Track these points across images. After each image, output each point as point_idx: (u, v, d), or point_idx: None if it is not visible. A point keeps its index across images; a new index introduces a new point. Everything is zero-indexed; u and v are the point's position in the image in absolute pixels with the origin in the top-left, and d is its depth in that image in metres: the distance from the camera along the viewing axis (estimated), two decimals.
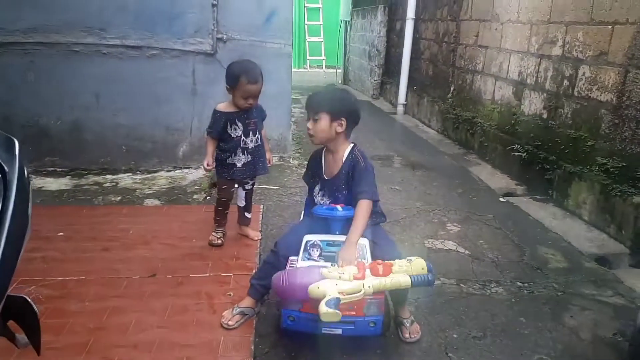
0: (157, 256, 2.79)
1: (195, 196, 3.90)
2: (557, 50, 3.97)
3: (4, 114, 4.19)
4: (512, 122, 4.59)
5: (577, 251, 3.13)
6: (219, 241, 2.94)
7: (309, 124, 2.18)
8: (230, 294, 2.40)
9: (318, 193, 2.32)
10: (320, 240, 2.14)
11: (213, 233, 2.97)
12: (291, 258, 2.13)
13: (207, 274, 2.61)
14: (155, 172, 4.42)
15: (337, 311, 1.76)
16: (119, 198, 3.79)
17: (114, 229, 3.13)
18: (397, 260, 1.97)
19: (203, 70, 4.41)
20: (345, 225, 2.16)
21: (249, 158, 2.83)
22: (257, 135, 2.84)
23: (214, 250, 2.89)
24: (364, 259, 2.04)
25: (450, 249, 3.09)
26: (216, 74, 4.38)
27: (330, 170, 2.28)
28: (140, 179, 4.25)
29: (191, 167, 4.52)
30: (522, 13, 4.46)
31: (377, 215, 2.27)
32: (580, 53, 3.70)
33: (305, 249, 2.13)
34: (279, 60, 4.55)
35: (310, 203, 2.41)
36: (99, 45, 4.21)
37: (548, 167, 3.98)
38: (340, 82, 11.64)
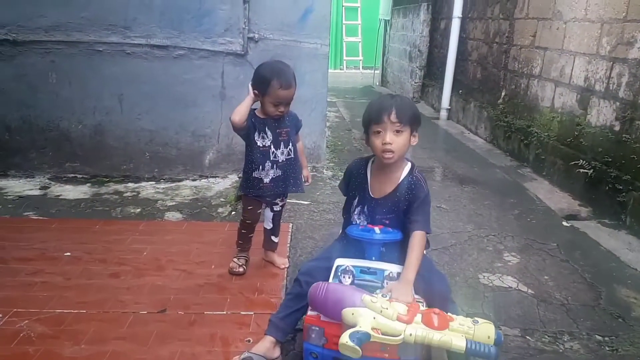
0: (170, 285, 2.45)
1: (220, 209, 3.56)
2: (635, 53, 3.44)
3: (23, 117, 3.96)
4: (576, 133, 4.06)
5: None
6: (241, 269, 2.57)
7: (389, 137, 1.80)
8: (249, 340, 2.02)
9: (355, 210, 2.00)
10: (353, 266, 1.86)
11: (234, 259, 2.61)
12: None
13: (224, 312, 2.24)
14: (179, 181, 4.12)
15: (358, 348, 1.47)
16: (139, 210, 3.49)
17: (126, 249, 2.80)
18: (460, 317, 1.60)
19: (232, 72, 4.07)
20: (384, 251, 1.91)
21: (279, 173, 2.44)
22: (290, 147, 2.45)
23: (235, 280, 2.52)
24: (421, 302, 1.71)
25: (510, 287, 2.63)
26: (246, 76, 3.98)
27: (381, 188, 1.94)
28: (163, 188, 3.95)
29: (218, 177, 4.20)
30: (590, 10, 3.93)
31: None
32: None
33: (335, 275, 1.85)
34: (314, 61, 4.17)
35: (347, 222, 2.08)
36: (122, 44, 3.92)
37: (621, 187, 3.45)
38: (377, 83, 11.19)
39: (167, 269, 2.61)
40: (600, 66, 3.81)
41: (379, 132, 1.82)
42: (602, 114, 3.79)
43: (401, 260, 1.82)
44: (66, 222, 3.16)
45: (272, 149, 2.40)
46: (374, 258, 1.90)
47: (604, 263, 2.94)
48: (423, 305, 1.70)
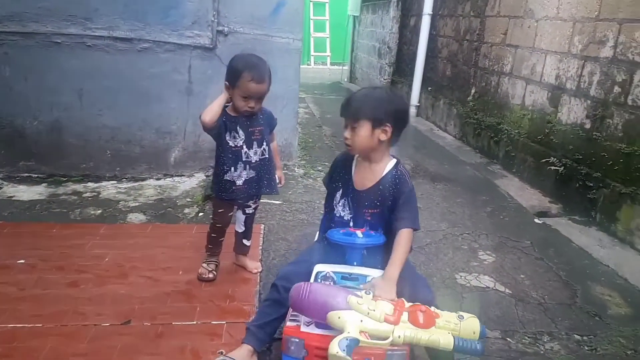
0: (134, 294, 2.30)
1: (186, 210, 3.40)
2: (606, 52, 3.46)
3: None
4: (546, 131, 4.08)
5: (637, 290, 2.64)
6: (211, 275, 2.44)
7: (346, 133, 1.82)
8: (221, 352, 1.90)
9: (339, 202, 1.95)
10: (334, 272, 1.77)
11: (204, 265, 2.48)
12: None
13: (194, 322, 2.11)
14: (142, 180, 3.92)
15: (349, 358, 1.43)
16: (99, 211, 3.30)
17: (87, 254, 2.63)
18: (445, 313, 1.57)
19: (200, 66, 3.90)
20: (366, 255, 1.83)
21: (252, 174, 2.31)
22: (264, 146, 2.32)
23: (204, 286, 2.39)
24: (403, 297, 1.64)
25: (487, 287, 2.59)
26: (215, 71, 3.88)
27: (363, 181, 1.90)
28: (125, 188, 3.75)
29: (184, 175, 4.02)
30: (562, 9, 3.94)
31: None
32: (637, 55, 3.18)
33: (315, 281, 1.75)
34: (286, 56, 4.05)
35: (327, 219, 2.03)
36: (83, 36, 3.69)
37: (591, 185, 3.47)
38: (346, 79, 11.13)
39: (131, 276, 2.45)
40: (572, 64, 3.82)
41: (345, 127, 1.85)
42: (573, 112, 3.81)
43: (384, 265, 1.74)
44: (19, 226, 2.95)
45: (245, 149, 2.27)
46: (355, 263, 1.82)
47: (577, 260, 2.94)
48: (407, 302, 1.63)
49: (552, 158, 3.89)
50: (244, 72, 2.12)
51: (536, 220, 3.51)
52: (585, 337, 2.21)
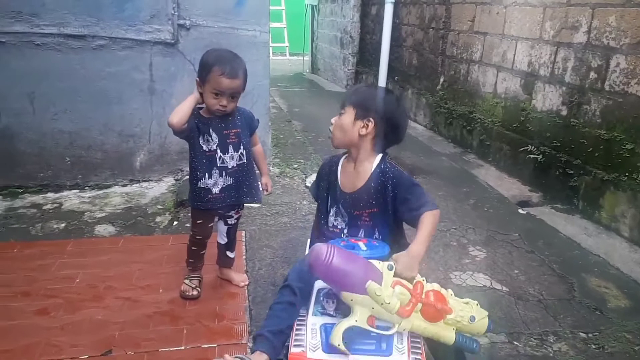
0: (113, 319, 2.09)
1: (158, 219, 3.18)
2: (580, 37, 3.43)
3: None
4: (522, 118, 4.05)
5: (632, 280, 2.62)
6: (195, 292, 2.25)
7: (333, 118, 1.79)
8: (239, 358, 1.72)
9: (330, 211, 1.83)
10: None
11: (186, 281, 2.28)
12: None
13: (182, 347, 1.93)
14: (107, 187, 3.66)
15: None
16: (63, 225, 3.04)
17: (55, 276, 2.38)
18: (458, 307, 1.52)
19: (162, 63, 3.65)
20: None
21: (230, 181, 2.12)
22: (242, 150, 2.13)
23: (189, 305, 2.20)
24: (424, 279, 1.55)
25: (484, 286, 2.51)
26: (178, 67, 3.65)
27: (352, 183, 1.79)
28: (89, 197, 3.49)
29: (151, 180, 3.78)
30: None
31: (405, 248, 1.65)
32: (612, 40, 3.16)
33: (317, 300, 1.61)
34: (253, 50, 3.84)
35: (318, 227, 1.91)
36: (30, 34, 3.37)
37: (572, 172, 3.46)
38: (308, 70, 10.94)
39: (107, 298, 2.23)
40: (544, 51, 3.79)
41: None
42: (548, 99, 3.78)
43: None
44: None
45: (219, 153, 2.08)
46: None
47: (568, 251, 2.91)
48: (425, 282, 1.53)
49: (530, 146, 3.87)
50: (215, 66, 1.94)
51: (520, 211, 3.47)
52: (590, 335, 2.15)
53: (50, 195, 3.48)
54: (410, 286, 1.49)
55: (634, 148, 3.01)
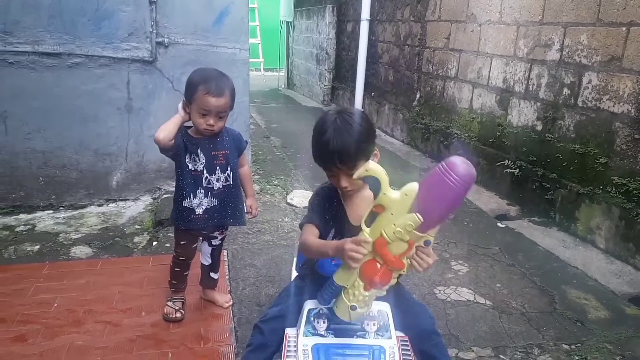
0: (94, 344, 2.02)
1: (136, 239, 3.12)
2: (553, 55, 3.54)
3: None
4: (498, 134, 4.13)
5: (609, 291, 2.67)
6: (178, 314, 2.20)
7: (344, 181, 1.56)
8: None
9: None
10: (328, 308, 1.56)
11: (169, 303, 2.23)
12: (288, 331, 1.57)
13: None
14: (82, 207, 3.57)
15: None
16: (37, 247, 2.95)
17: (31, 301, 2.30)
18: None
19: (140, 81, 3.60)
20: None
21: (214, 202, 2.10)
22: (229, 172, 2.11)
23: (172, 328, 2.15)
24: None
25: (468, 300, 2.53)
26: (156, 85, 3.61)
27: (359, 213, 1.61)
28: (64, 218, 3.40)
29: (128, 199, 3.71)
30: (505, 13, 4.01)
31: None
32: (584, 58, 3.27)
33: (308, 320, 1.56)
34: (233, 67, 3.81)
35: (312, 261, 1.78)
36: (3, 52, 3.30)
37: (548, 186, 3.54)
38: (283, 86, 10.99)
39: (87, 323, 2.16)
40: (519, 68, 3.89)
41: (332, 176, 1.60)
42: (523, 114, 3.87)
43: (380, 296, 1.59)
44: None
45: (206, 174, 2.06)
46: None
47: (547, 264, 2.96)
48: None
49: (507, 161, 3.94)
50: (200, 85, 1.92)
51: (499, 224, 3.52)
52: (573, 346, 2.19)
53: (23, 216, 3.39)
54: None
55: (607, 162, 3.10)
